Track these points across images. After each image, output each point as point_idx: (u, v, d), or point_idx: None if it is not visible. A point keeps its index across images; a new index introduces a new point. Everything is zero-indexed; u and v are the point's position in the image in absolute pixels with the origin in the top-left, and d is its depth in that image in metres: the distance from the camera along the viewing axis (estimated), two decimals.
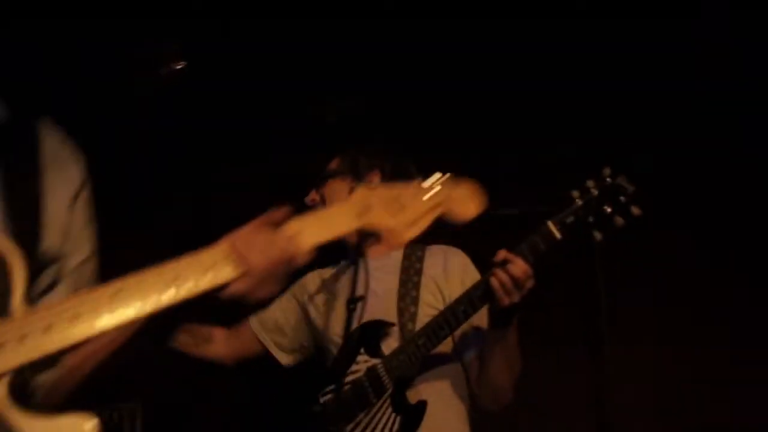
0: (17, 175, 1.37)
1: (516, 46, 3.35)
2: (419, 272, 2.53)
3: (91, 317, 1.22)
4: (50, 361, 1.25)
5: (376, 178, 2.66)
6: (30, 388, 1.34)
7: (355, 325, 2.37)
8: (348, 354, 2.46)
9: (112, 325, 1.23)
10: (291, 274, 1.35)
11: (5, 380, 1.17)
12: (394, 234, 1.39)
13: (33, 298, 1.34)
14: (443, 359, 2.44)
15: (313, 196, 2.66)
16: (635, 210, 2.09)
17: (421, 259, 2.56)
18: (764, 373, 3.54)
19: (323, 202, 2.63)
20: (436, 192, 1.43)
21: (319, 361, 2.64)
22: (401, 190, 1.42)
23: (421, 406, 2.31)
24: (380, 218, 1.39)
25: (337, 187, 2.65)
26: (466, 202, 1.43)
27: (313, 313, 2.66)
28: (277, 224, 1.34)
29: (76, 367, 1.39)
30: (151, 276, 1.27)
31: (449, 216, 1.42)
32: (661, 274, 3.79)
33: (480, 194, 1.45)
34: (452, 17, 3.28)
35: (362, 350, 2.43)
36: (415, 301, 2.46)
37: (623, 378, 3.85)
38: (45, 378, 1.37)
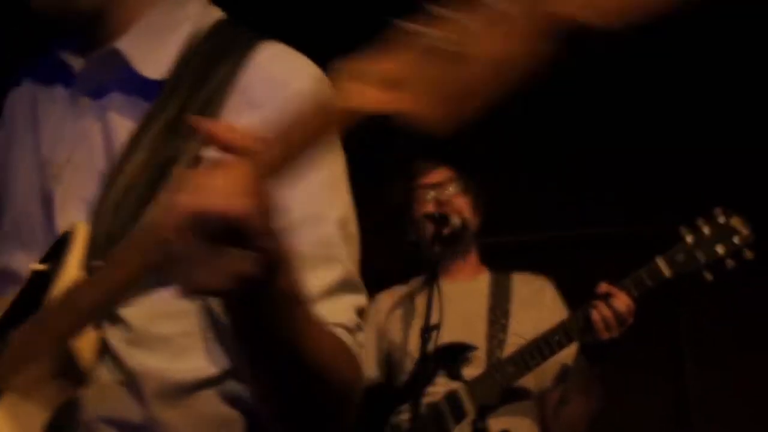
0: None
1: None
2: (508, 300, 2.48)
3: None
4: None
5: (479, 213, 2.59)
6: None
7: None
8: (425, 374, 2.39)
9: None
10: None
11: None
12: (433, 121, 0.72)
13: None
14: (524, 390, 2.38)
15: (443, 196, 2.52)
16: (748, 254, 2.06)
17: (509, 288, 2.52)
18: None
19: (455, 211, 2.51)
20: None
21: (389, 378, 2.56)
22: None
23: None
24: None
25: (469, 203, 2.55)
26: None
27: (392, 331, 2.58)
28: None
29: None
30: None
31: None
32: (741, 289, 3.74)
33: None
34: None
35: (441, 372, 2.37)
36: (504, 328, 2.41)
37: (706, 399, 3.83)
38: None
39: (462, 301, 2.53)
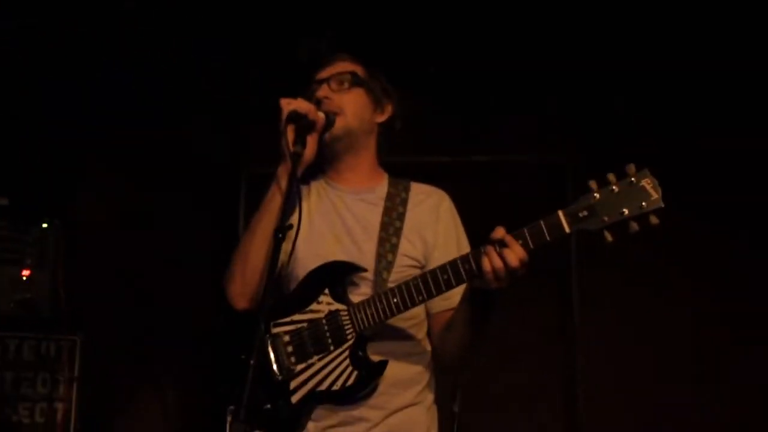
0: None
1: None
2: (402, 217, 2.33)
3: None
4: None
5: (388, 110, 2.43)
6: None
7: (280, 256, 2.05)
8: (309, 290, 2.28)
9: None
10: None
11: None
12: None
13: None
14: (411, 316, 2.30)
15: (326, 93, 2.36)
16: (653, 219, 1.92)
17: (405, 202, 2.36)
18: None
19: (336, 109, 2.34)
20: None
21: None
22: None
23: (382, 365, 2.19)
24: None
25: (361, 99, 2.39)
26: None
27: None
28: None
29: None
30: None
31: None
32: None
33: None
34: None
35: (327, 291, 2.26)
36: (394, 249, 2.28)
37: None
38: None
39: (354, 212, 2.38)
